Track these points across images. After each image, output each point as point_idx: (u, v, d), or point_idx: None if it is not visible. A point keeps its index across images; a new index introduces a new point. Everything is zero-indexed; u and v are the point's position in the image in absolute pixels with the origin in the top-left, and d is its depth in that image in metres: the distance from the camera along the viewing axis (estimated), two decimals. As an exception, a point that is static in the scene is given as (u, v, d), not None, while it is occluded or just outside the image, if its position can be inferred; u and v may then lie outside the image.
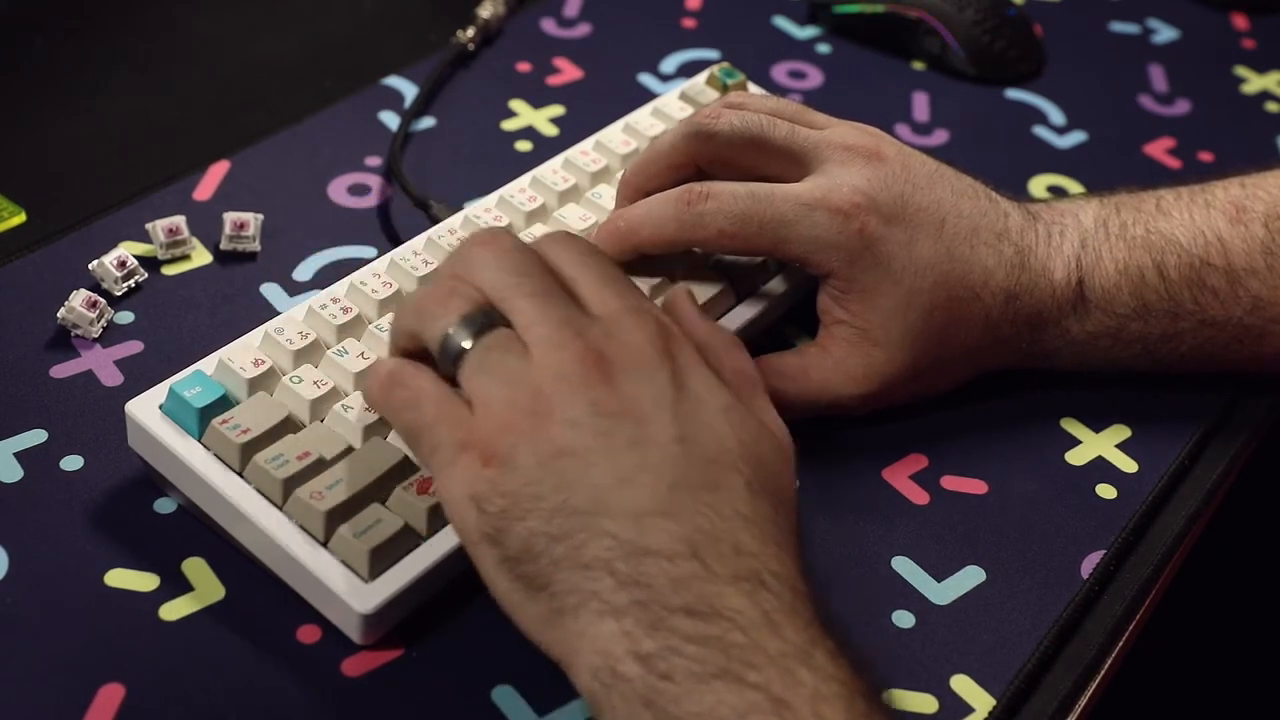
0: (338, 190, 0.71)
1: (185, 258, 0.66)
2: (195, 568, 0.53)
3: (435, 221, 0.66)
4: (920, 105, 0.82)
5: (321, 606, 0.51)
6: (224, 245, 0.66)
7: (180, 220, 0.66)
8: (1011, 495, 0.59)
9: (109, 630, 0.51)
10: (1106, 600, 0.56)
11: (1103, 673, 0.54)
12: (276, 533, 0.51)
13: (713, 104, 0.62)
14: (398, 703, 0.50)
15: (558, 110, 0.78)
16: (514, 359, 0.47)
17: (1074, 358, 0.62)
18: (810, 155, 0.59)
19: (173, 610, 0.51)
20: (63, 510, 0.54)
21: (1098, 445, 0.62)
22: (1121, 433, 0.63)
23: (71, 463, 0.56)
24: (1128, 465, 0.61)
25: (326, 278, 0.66)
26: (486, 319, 0.48)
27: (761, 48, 0.86)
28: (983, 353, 0.60)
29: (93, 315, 0.61)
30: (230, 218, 0.66)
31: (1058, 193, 0.76)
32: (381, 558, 0.50)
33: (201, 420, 0.53)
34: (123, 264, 0.63)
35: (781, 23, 0.89)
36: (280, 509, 0.51)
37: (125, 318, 0.63)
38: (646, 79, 0.82)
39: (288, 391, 0.54)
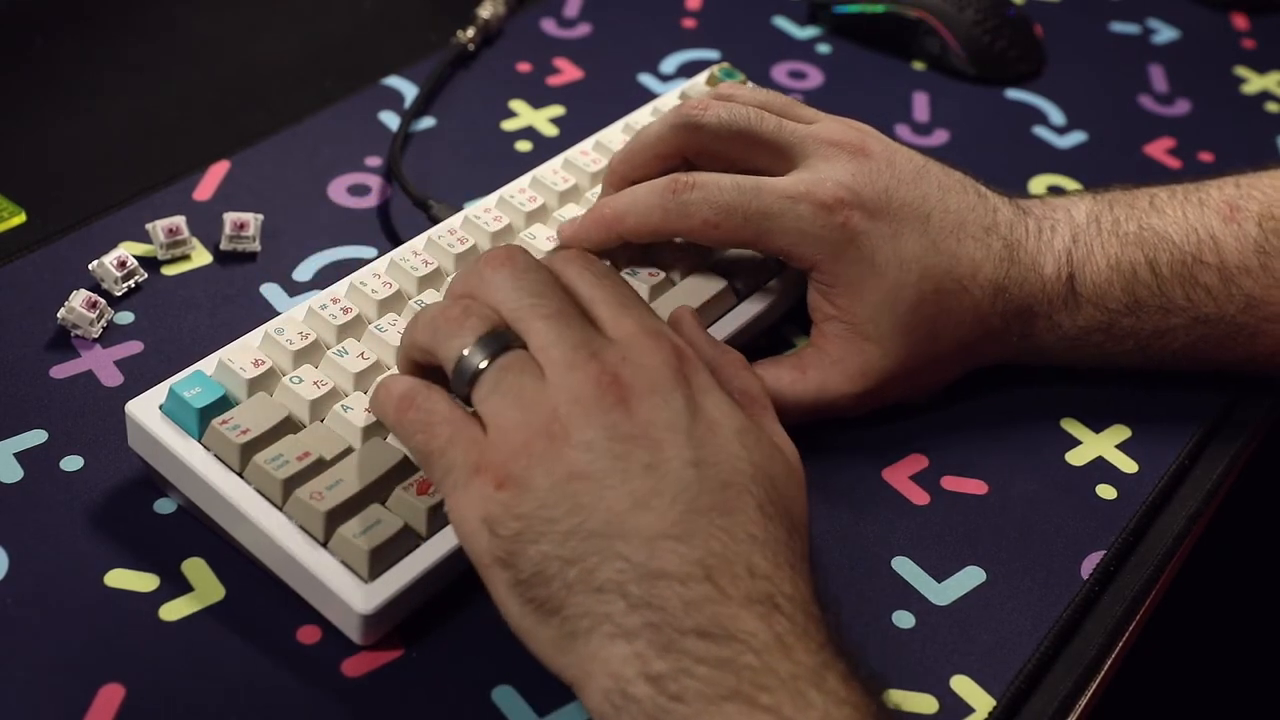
0: (338, 190, 0.71)
1: (185, 258, 0.66)
2: (195, 568, 0.53)
3: (435, 221, 0.66)
4: (920, 105, 0.82)
5: (321, 607, 0.51)
6: (224, 245, 0.66)
7: (180, 220, 0.66)
8: (1011, 495, 0.59)
9: (109, 630, 0.51)
10: (1106, 600, 0.56)
11: (1103, 673, 0.54)
12: (276, 533, 0.51)
13: (702, 96, 0.62)
14: (398, 703, 0.50)
15: (558, 110, 0.78)
16: (530, 381, 0.47)
17: (1067, 353, 0.62)
18: (797, 149, 0.59)
19: (173, 610, 0.51)
20: (63, 510, 0.54)
21: (1098, 445, 0.62)
22: (1121, 433, 0.63)
23: (71, 463, 0.56)
24: (1128, 465, 0.61)
25: (326, 278, 0.66)
26: (502, 340, 0.48)
27: (761, 48, 0.86)
28: (974, 347, 0.60)
29: (93, 315, 0.61)
30: (230, 218, 0.66)
31: (1057, 193, 0.76)
32: (381, 558, 0.50)
33: (201, 420, 0.53)
34: (123, 264, 0.63)
35: (781, 23, 0.89)
36: (280, 509, 0.51)
37: (125, 318, 0.63)
38: (646, 79, 0.82)
39: (288, 392, 0.54)
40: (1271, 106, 0.86)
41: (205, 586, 0.52)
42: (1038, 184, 0.77)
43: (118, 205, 0.68)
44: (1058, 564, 0.57)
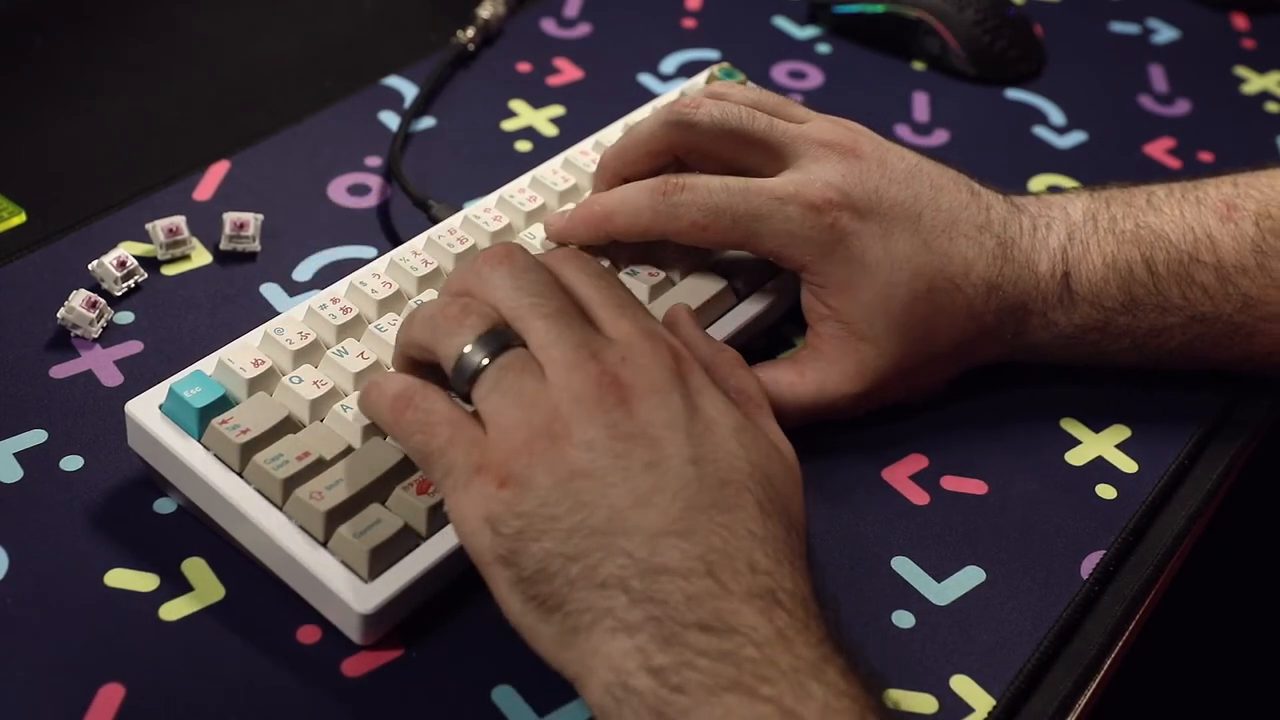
0: (338, 190, 0.71)
1: (185, 258, 0.66)
2: (195, 568, 0.53)
3: (435, 221, 0.66)
4: (920, 105, 0.82)
5: (321, 606, 0.51)
6: (224, 245, 0.66)
7: (180, 220, 0.66)
8: (1011, 495, 0.59)
9: (109, 630, 0.51)
10: (1106, 600, 0.56)
11: (1103, 673, 0.54)
12: (276, 533, 0.51)
13: (695, 93, 0.62)
14: (398, 703, 0.50)
15: (558, 110, 0.78)
16: (531, 380, 0.47)
17: (1063, 351, 0.62)
18: (788, 149, 0.59)
19: (173, 610, 0.51)
20: (63, 510, 0.54)
21: (1098, 445, 0.62)
22: (1121, 433, 0.63)
23: (71, 463, 0.56)
24: (1128, 465, 0.61)
25: (326, 278, 0.66)
26: (502, 338, 0.48)
27: (761, 48, 0.86)
28: (970, 345, 0.60)
29: (93, 315, 0.61)
30: (230, 218, 0.66)
31: (1057, 193, 0.76)
32: (381, 558, 0.50)
33: (201, 420, 0.53)
34: (123, 264, 0.63)
35: (781, 23, 0.89)
36: (280, 509, 0.51)
37: (125, 318, 0.63)
38: (646, 79, 0.82)
39: (287, 392, 0.54)
40: (1271, 106, 0.86)
41: (205, 586, 0.52)
42: (1038, 184, 0.77)
43: (118, 205, 0.68)
44: (1057, 564, 0.57)
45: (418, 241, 0.62)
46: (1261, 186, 0.62)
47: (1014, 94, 0.84)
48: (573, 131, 0.76)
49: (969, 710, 0.51)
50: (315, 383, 0.55)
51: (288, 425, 0.53)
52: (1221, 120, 0.84)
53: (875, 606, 0.54)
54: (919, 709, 0.51)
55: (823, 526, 0.57)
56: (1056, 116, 0.82)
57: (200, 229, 0.67)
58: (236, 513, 0.51)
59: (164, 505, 0.55)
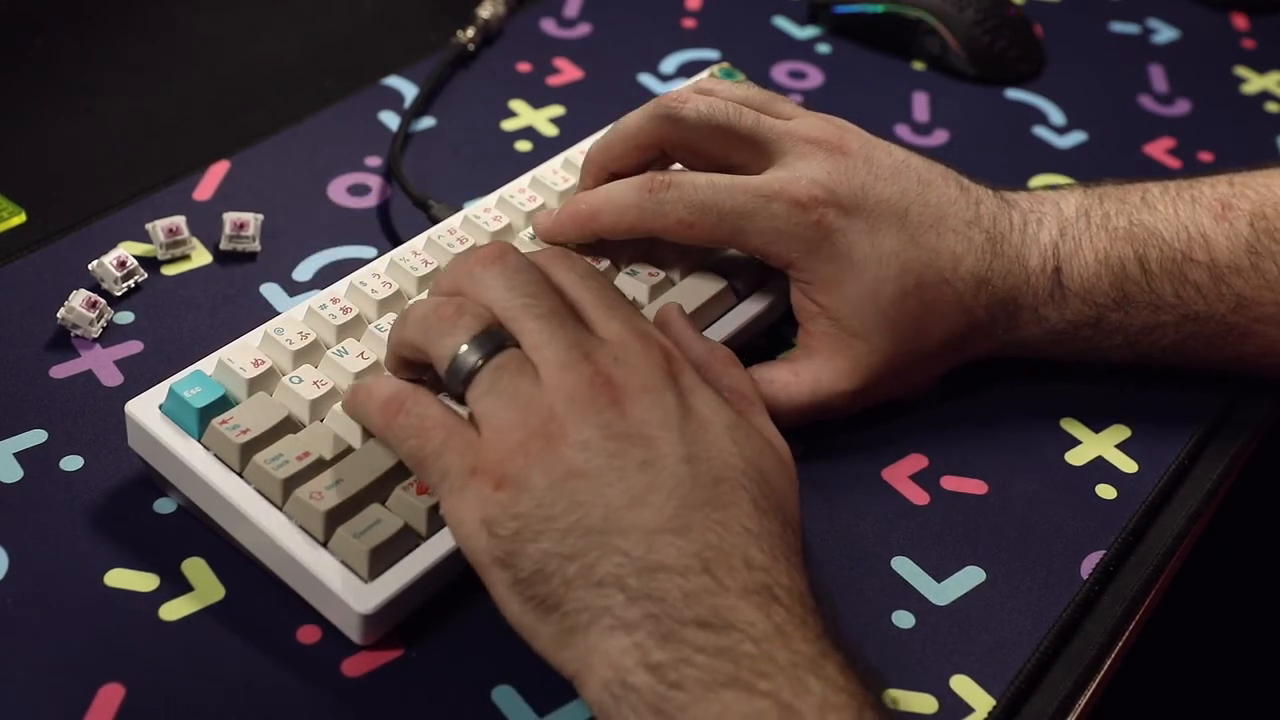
0: (338, 190, 0.71)
1: (185, 258, 0.66)
2: (195, 568, 0.53)
3: (435, 221, 0.66)
4: (920, 105, 0.82)
5: (321, 606, 0.51)
6: (224, 245, 0.66)
7: (180, 220, 0.66)
8: (1011, 495, 0.59)
9: (109, 630, 0.51)
10: (1106, 600, 0.56)
11: (1103, 673, 0.54)
12: (276, 533, 0.51)
13: (683, 88, 0.62)
14: (398, 703, 0.50)
15: (558, 110, 0.78)
16: (525, 381, 0.47)
17: (1055, 347, 0.62)
18: (774, 146, 0.59)
19: (173, 610, 0.51)
20: (63, 510, 0.54)
21: (1098, 445, 0.62)
22: (1121, 433, 0.63)
23: (71, 463, 0.56)
24: (1128, 465, 0.61)
25: (326, 278, 0.66)
26: (496, 339, 0.48)
27: (761, 48, 0.86)
28: (961, 340, 0.60)
29: (93, 315, 0.61)
30: (230, 218, 0.66)
31: (1052, 189, 0.76)
32: (381, 558, 0.50)
33: (201, 420, 0.53)
34: (123, 264, 0.63)
35: (781, 23, 0.89)
36: (280, 509, 0.51)
37: (125, 318, 0.63)
38: (646, 79, 0.82)
39: (287, 392, 0.54)
40: (1271, 106, 0.86)
41: (205, 586, 0.52)
42: (1038, 184, 0.77)
43: (118, 205, 0.68)
44: (1057, 564, 0.57)
45: (418, 241, 0.62)
46: (1257, 186, 0.62)
47: (1014, 94, 0.84)
48: (573, 131, 0.76)
49: (969, 710, 0.51)
50: (315, 383, 0.55)
51: (288, 425, 0.53)
52: (1221, 120, 0.84)
53: (875, 606, 0.54)
54: (919, 709, 0.51)
55: (822, 526, 0.57)
56: (1056, 116, 0.82)
57: (200, 229, 0.67)
58: (236, 513, 0.51)
59: (164, 505, 0.55)
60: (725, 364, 0.54)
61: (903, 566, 0.56)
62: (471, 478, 0.46)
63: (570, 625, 0.45)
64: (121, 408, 0.54)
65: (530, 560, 0.45)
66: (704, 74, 0.75)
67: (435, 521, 0.51)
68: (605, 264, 0.61)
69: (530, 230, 0.63)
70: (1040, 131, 0.81)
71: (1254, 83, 0.88)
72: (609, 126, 0.62)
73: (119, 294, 0.63)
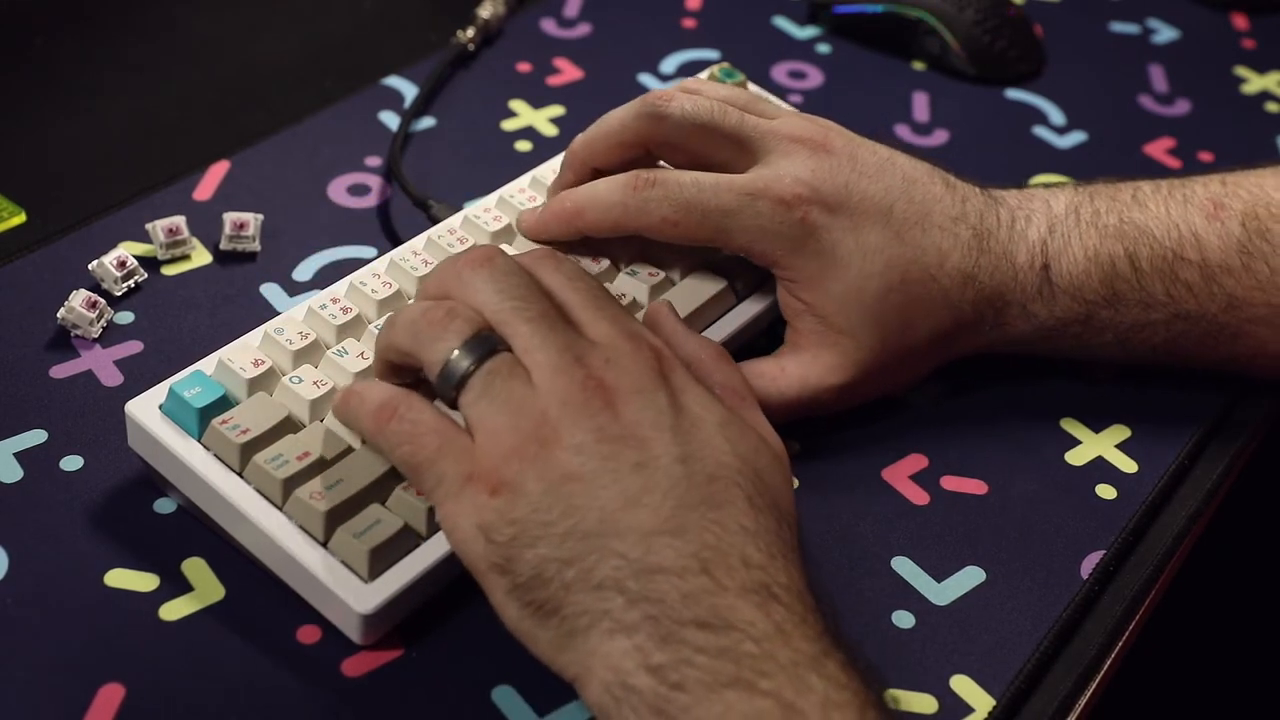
0: (338, 190, 0.71)
1: (185, 258, 0.66)
2: (195, 568, 0.53)
3: (435, 221, 0.66)
4: (920, 105, 0.82)
5: (321, 606, 0.51)
6: (224, 245, 0.66)
7: (180, 220, 0.66)
8: (1011, 495, 0.59)
9: (109, 630, 0.51)
10: (1106, 600, 0.56)
11: (1103, 673, 0.54)
12: (276, 533, 0.51)
13: (670, 87, 0.62)
14: (398, 703, 0.50)
15: (558, 110, 0.78)
16: (518, 385, 0.47)
17: (1044, 343, 0.62)
18: (758, 144, 0.59)
19: (173, 610, 0.52)
20: (63, 510, 0.54)
21: (1098, 445, 0.62)
22: (1121, 433, 0.63)
23: (71, 463, 0.56)
24: (1128, 465, 0.61)
25: (326, 278, 0.66)
26: (488, 343, 0.48)
27: (761, 48, 0.86)
28: (948, 336, 0.60)
29: (93, 315, 0.61)
30: (230, 218, 0.66)
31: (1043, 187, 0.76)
32: (381, 558, 0.50)
33: (201, 420, 0.53)
34: (123, 264, 0.63)
35: (781, 23, 0.89)
36: (280, 509, 0.51)
37: (125, 318, 0.63)
38: (646, 79, 0.82)
39: (287, 392, 0.54)
40: (1271, 106, 0.86)
41: (205, 586, 0.52)
42: (1037, 184, 0.77)
43: (118, 205, 0.68)
44: (1057, 564, 0.57)
45: (418, 241, 0.62)
46: (1250, 186, 0.62)
47: (1014, 94, 0.84)
48: (573, 131, 0.75)
49: (969, 710, 0.51)
50: (315, 383, 0.55)
51: (288, 425, 0.53)
52: (1221, 120, 0.84)
53: (875, 606, 0.54)
54: (919, 709, 0.51)
55: (822, 526, 0.57)
56: (1056, 116, 0.82)
57: (200, 229, 0.67)
58: (236, 513, 0.51)
59: (164, 505, 0.55)
60: (716, 360, 0.54)
61: (903, 566, 0.56)
62: (467, 484, 0.46)
63: (570, 629, 0.45)
64: (121, 408, 0.54)
65: (528, 565, 0.45)
66: (704, 74, 0.75)
67: (435, 522, 0.51)
68: (605, 264, 0.61)
69: (530, 230, 0.63)
70: (1040, 131, 0.81)
71: (1254, 83, 0.88)
72: (594, 122, 0.62)
73: (119, 294, 0.63)
